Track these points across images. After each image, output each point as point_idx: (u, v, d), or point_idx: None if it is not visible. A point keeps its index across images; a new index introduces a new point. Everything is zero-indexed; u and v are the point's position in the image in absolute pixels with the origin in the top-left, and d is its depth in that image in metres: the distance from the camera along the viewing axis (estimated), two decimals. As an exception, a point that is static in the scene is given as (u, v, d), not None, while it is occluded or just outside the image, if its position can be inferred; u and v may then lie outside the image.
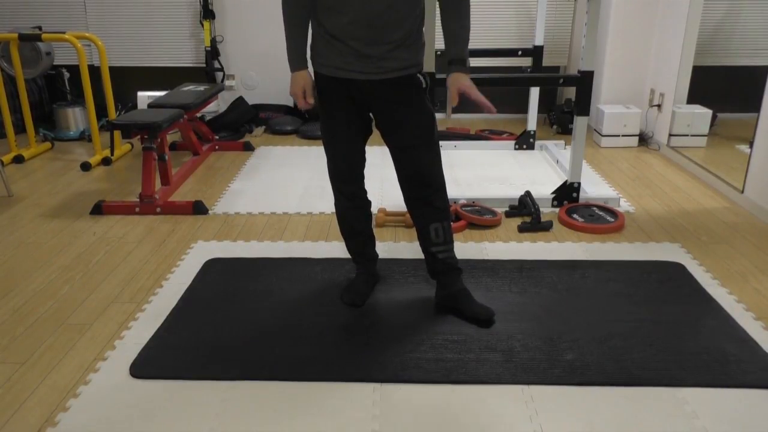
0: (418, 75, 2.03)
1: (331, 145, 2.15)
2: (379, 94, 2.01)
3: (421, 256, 2.32)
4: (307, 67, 2.08)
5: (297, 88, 2.07)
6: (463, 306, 2.17)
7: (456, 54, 2.01)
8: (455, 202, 3.11)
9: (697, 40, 3.86)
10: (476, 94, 2.00)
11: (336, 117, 2.09)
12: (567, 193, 3.21)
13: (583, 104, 3.06)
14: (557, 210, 3.16)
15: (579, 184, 3.19)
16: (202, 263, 2.60)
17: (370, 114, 2.11)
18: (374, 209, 3.18)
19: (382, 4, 1.88)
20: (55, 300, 2.33)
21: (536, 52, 4.08)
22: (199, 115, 4.35)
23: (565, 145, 4.31)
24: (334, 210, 3.15)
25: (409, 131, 2.04)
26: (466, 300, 2.18)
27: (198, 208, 3.16)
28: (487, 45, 4.97)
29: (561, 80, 3.17)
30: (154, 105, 3.65)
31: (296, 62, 2.07)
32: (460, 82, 2.00)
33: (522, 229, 2.93)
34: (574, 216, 3.02)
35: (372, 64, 1.95)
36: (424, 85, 2.04)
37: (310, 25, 2.05)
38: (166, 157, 3.37)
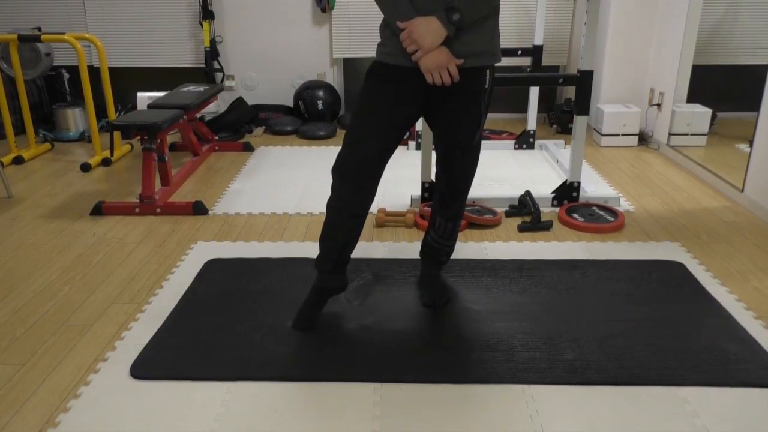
0: (488, 71, 1.91)
1: (365, 124, 1.93)
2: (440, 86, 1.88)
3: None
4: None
5: (445, 54, 1.80)
6: (421, 285, 2.32)
7: (457, 3, 1.78)
8: (455, 202, 3.10)
9: (696, 39, 3.86)
10: (414, 45, 1.77)
11: (384, 100, 1.92)
12: (567, 193, 3.21)
13: (582, 104, 3.06)
14: (557, 209, 3.16)
15: (579, 183, 3.19)
16: (202, 264, 2.59)
17: (417, 119, 2.01)
18: (374, 209, 3.18)
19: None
20: (56, 301, 2.33)
21: (536, 52, 4.08)
22: (198, 115, 4.35)
23: (565, 144, 4.31)
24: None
25: (460, 130, 1.98)
26: (425, 281, 2.32)
27: (198, 209, 3.16)
28: (486, 45, 4.97)
29: (561, 80, 3.17)
30: (153, 106, 3.64)
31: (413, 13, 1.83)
32: (423, 24, 1.77)
33: (522, 228, 2.92)
34: (574, 215, 3.02)
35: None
36: (486, 85, 1.93)
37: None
38: (166, 158, 3.37)
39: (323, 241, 2.07)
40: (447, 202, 2.16)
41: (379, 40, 1.96)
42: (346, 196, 1.98)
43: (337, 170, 1.96)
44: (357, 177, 1.94)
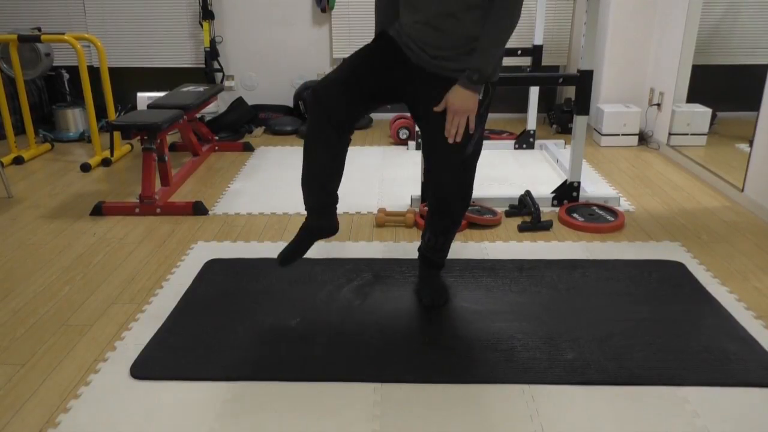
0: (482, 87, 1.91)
1: (345, 62, 1.97)
2: (432, 86, 1.92)
3: (421, 255, 2.35)
4: None
5: None
6: (420, 286, 2.30)
7: (472, 63, 1.84)
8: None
9: (696, 39, 3.86)
10: (461, 120, 1.85)
11: (376, 56, 1.97)
12: (567, 193, 3.21)
13: (582, 103, 3.06)
14: (557, 209, 3.16)
15: (579, 183, 3.19)
16: (202, 264, 2.59)
17: (396, 94, 2.01)
18: (374, 209, 3.19)
19: (449, 8, 1.83)
20: (56, 301, 2.33)
21: (536, 52, 4.08)
22: (198, 115, 4.34)
23: (565, 144, 4.31)
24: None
25: (443, 138, 1.93)
26: (424, 281, 2.30)
27: (198, 209, 3.16)
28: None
29: (560, 79, 3.17)
30: (153, 106, 3.64)
31: None
32: (456, 97, 1.84)
33: (522, 228, 2.92)
34: (574, 215, 3.02)
35: (437, 62, 1.91)
36: (479, 97, 1.92)
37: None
38: (166, 158, 3.37)
39: (304, 180, 2.04)
40: (436, 217, 2.12)
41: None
42: (316, 124, 1.95)
43: (311, 91, 1.96)
44: (324, 97, 1.92)
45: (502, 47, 1.86)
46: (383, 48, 2.00)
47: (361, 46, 2.03)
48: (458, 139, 1.89)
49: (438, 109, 1.89)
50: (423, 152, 2.05)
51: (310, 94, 1.94)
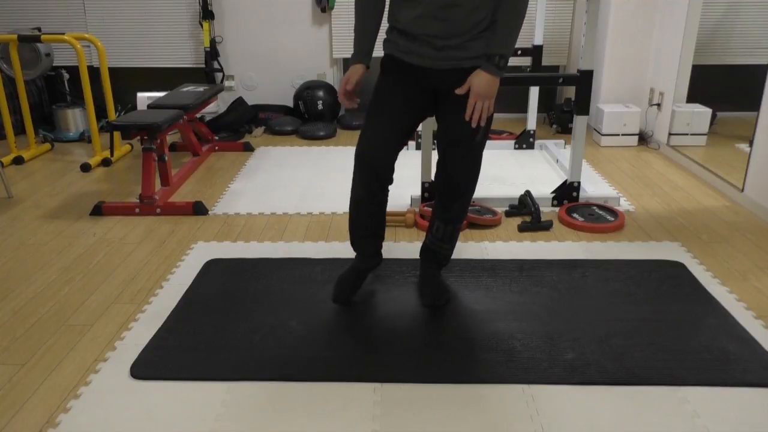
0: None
1: (373, 116, 2.05)
2: (447, 80, 1.97)
3: (422, 255, 2.36)
4: (363, 62, 2.05)
5: (343, 78, 2.07)
6: (421, 286, 2.31)
7: (494, 48, 1.89)
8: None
9: (696, 39, 3.86)
10: (485, 104, 1.91)
11: (391, 91, 2.04)
12: (567, 193, 3.21)
13: (582, 103, 3.06)
14: (557, 209, 3.16)
15: (579, 183, 3.19)
16: (202, 264, 2.60)
17: (427, 109, 2.08)
18: (374, 209, 3.19)
19: None
20: (56, 301, 2.33)
21: (536, 52, 4.08)
22: (198, 115, 4.35)
23: (565, 144, 4.31)
24: (333, 210, 3.17)
25: (461, 128, 1.99)
26: (425, 281, 2.31)
27: (198, 209, 3.16)
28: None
29: (560, 79, 3.17)
30: (153, 106, 3.64)
31: (354, 55, 2.07)
32: (481, 82, 1.89)
33: (522, 228, 2.92)
34: (574, 215, 3.02)
35: (445, 53, 1.93)
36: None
37: (383, 19, 2.07)
38: (166, 158, 3.37)
39: (353, 231, 2.21)
40: (445, 204, 2.17)
41: (385, 36, 2.05)
42: (363, 185, 2.09)
43: (357, 155, 2.08)
44: (366, 168, 2.05)
45: (519, 29, 1.90)
46: (392, 77, 2.04)
47: (374, 91, 2.08)
48: (482, 123, 1.95)
49: (461, 91, 1.93)
50: (437, 142, 2.11)
51: (356, 158, 2.07)
